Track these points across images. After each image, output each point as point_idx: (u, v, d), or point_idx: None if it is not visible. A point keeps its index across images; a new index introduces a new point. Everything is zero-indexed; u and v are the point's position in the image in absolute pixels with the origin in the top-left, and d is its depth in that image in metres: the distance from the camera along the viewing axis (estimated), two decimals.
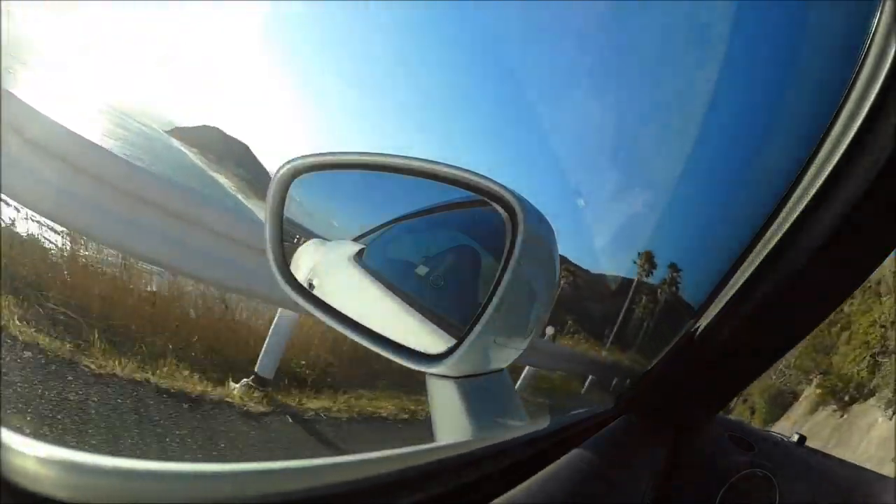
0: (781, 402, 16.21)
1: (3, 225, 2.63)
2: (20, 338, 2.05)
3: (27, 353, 2.00)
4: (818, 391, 13.27)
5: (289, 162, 0.65)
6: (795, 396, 15.88)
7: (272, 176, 0.66)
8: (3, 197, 2.29)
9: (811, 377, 14.61)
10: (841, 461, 1.10)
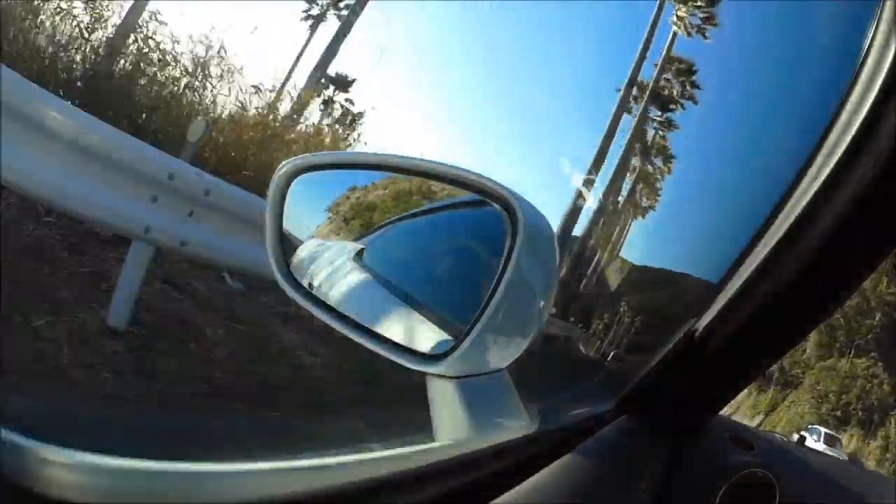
0: None
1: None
2: None
3: None
4: None
5: (289, 161, 0.65)
6: None
7: (272, 175, 0.66)
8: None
9: None
10: (841, 461, 1.10)
